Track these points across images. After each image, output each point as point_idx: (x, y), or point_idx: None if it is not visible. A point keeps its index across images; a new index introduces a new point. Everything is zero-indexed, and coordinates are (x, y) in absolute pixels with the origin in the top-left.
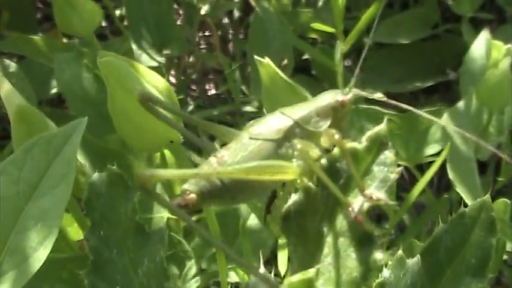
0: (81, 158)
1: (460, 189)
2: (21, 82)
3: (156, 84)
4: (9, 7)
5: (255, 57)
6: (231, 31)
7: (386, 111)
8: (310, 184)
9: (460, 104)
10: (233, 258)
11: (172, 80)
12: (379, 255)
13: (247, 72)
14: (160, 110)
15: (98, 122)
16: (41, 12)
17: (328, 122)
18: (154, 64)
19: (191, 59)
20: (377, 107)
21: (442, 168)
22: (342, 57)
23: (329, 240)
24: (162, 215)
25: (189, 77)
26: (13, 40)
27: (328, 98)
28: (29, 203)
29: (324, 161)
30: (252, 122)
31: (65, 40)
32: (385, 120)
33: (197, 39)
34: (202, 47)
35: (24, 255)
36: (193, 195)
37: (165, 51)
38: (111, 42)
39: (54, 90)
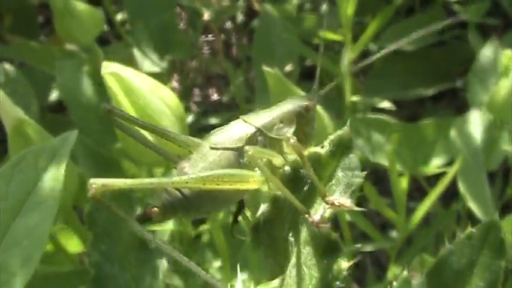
0: (83, 168)
1: (470, 203)
2: (23, 88)
3: (161, 95)
4: (12, 11)
5: (263, 67)
6: (234, 35)
7: (394, 120)
8: (279, 193)
9: (470, 114)
10: (190, 268)
11: (175, 84)
12: (344, 264)
13: (250, 77)
14: (125, 123)
15: (99, 129)
16: (43, 15)
17: (292, 129)
18: (157, 70)
19: (193, 63)
20: (385, 116)
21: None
22: (350, 64)
23: (297, 250)
24: (165, 228)
25: (193, 82)
26: (15, 46)
27: (292, 103)
28: (16, 219)
29: (287, 168)
30: (213, 130)
31: (67, 45)
32: (348, 122)
33: (199, 44)
34: (204, 51)
35: (10, 273)
36: (155, 209)
37: (169, 56)
38: (113, 48)
39: (54, 96)
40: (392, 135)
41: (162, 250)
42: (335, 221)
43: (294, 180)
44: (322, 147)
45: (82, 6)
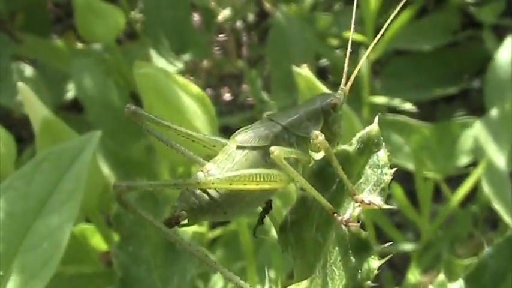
0: (105, 169)
1: (496, 205)
2: (36, 86)
3: (192, 93)
4: (24, 9)
5: (294, 68)
6: (245, 36)
7: (414, 121)
8: (306, 193)
9: (491, 113)
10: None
11: None
12: (374, 263)
13: (264, 77)
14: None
15: (118, 129)
16: (53, 13)
17: (319, 127)
18: (173, 69)
19: (205, 63)
20: (404, 117)
21: (461, 178)
22: (369, 64)
23: (327, 250)
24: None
25: (206, 82)
26: (29, 44)
27: (319, 101)
28: (36, 220)
29: (314, 166)
30: (239, 130)
31: (79, 44)
32: (375, 119)
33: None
34: (215, 51)
35: (30, 274)
36: (183, 212)
37: (184, 56)
38: (129, 47)
39: (68, 95)
40: (412, 136)
41: (191, 252)
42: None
43: (321, 178)
44: (350, 144)
45: (104, 5)
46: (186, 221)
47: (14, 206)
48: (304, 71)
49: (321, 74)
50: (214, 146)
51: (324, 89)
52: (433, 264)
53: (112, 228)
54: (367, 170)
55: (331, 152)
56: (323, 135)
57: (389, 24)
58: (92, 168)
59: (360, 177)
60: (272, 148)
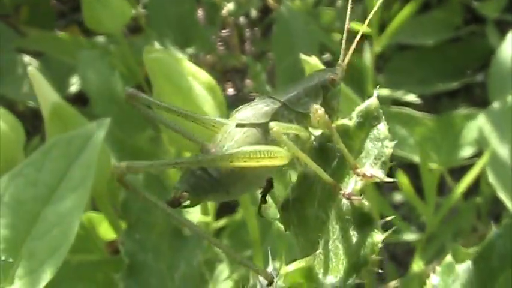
0: (112, 159)
1: (501, 194)
2: None
3: (202, 79)
4: (28, 3)
5: (301, 55)
6: (248, 31)
7: (418, 113)
8: (307, 169)
9: (495, 105)
10: (226, 251)
11: None
12: (378, 236)
13: (267, 72)
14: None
15: (123, 120)
16: (57, 9)
17: (318, 102)
18: None
19: (208, 58)
20: (409, 109)
21: (463, 170)
22: (373, 56)
23: (329, 226)
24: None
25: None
26: (34, 37)
27: (317, 76)
28: (46, 207)
29: (315, 142)
30: (238, 108)
31: (82, 37)
32: (375, 93)
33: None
34: (218, 46)
35: (39, 261)
36: (185, 193)
37: (188, 50)
38: (133, 40)
39: (73, 88)
40: (416, 128)
41: (196, 232)
42: None
43: (322, 154)
44: (350, 119)
45: None
46: (188, 202)
47: (24, 192)
48: (312, 59)
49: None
50: (213, 126)
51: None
52: (437, 256)
53: (120, 216)
54: (368, 144)
55: (331, 126)
56: (323, 109)
57: (393, 17)
58: (100, 155)
59: (361, 151)
60: (271, 124)
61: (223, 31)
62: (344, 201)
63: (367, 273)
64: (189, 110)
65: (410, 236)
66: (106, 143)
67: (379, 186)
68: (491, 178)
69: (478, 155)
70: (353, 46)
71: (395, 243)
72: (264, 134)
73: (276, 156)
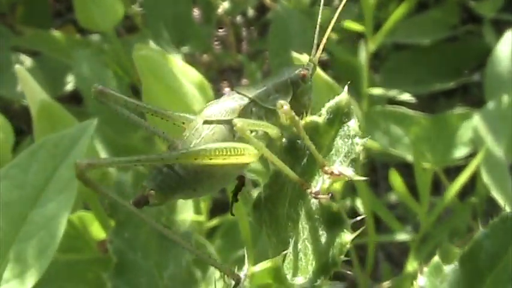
0: (103, 156)
1: (495, 194)
2: (36, 78)
3: (191, 77)
4: (24, 2)
5: (293, 53)
6: (244, 30)
7: (413, 112)
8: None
9: (490, 106)
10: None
11: None
12: (347, 236)
13: (263, 71)
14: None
15: (116, 119)
16: (53, 8)
17: (288, 99)
18: None
19: (204, 57)
20: (404, 108)
21: (460, 170)
22: (368, 55)
23: (300, 225)
24: (185, 216)
25: (206, 76)
26: (30, 36)
27: (287, 73)
28: (33, 209)
29: (284, 139)
30: (206, 104)
31: (78, 36)
32: (345, 88)
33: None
34: (215, 45)
35: (26, 264)
36: (152, 191)
37: (184, 49)
38: (128, 39)
39: (68, 87)
40: (411, 127)
41: (154, 227)
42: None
43: (292, 152)
44: (320, 115)
45: None
46: (155, 201)
47: (11, 194)
48: (303, 57)
49: (325, 67)
50: (183, 123)
51: (324, 75)
52: (432, 256)
53: (109, 215)
54: (338, 141)
55: (298, 123)
56: (288, 105)
57: (388, 16)
58: (90, 152)
59: (331, 149)
60: (235, 120)
61: (220, 30)
62: (313, 200)
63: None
64: (157, 106)
65: (404, 236)
66: (98, 142)
67: (375, 186)
68: (485, 178)
69: (473, 154)
70: (323, 41)
71: (390, 243)
72: (232, 131)
73: (243, 154)
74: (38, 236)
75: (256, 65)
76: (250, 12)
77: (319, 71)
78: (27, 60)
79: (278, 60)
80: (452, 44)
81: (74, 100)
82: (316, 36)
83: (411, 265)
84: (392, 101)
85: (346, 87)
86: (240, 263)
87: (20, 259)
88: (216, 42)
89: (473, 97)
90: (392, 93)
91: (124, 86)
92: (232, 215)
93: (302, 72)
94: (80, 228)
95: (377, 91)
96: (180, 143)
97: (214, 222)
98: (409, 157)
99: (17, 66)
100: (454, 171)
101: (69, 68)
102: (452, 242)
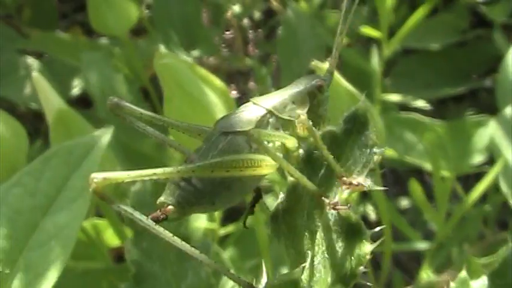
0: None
1: None
2: None
3: (213, 84)
4: (31, 4)
5: (314, 62)
6: (251, 33)
7: (428, 119)
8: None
9: (507, 112)
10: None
11: None
12: (367, 247)
13: (272, 75)
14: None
15: (129, 125)
16: (59, 9)
17: (305, 109)
18: None
19: (210, 60)
20: (418, 115)
21: (470, 177)
22: (382, 60)
23: (318, 237)
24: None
25: None
26: (37, 38)
27: (304, 83)
28: (44, 218)
29: (301, 150)
30: (222, 116)
31: (84, 38)
32: (362, 97)
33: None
34: (221, 48)
35: (36, 273)
36: (170, 207)
37: (193, 52)
38: (138, 43)
39: (75, 90)
40: (425, 134)
41: (170, 242)
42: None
43: (310, 163)
44: (337, 125)
45: None
46: (174, 216)
47: (22, 202)
48: (324, 65)
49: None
50: (199, 135)
51: (344, 82)
52: (444, 263)
53: (125, 223)
54: (356, 151)
55: (315, 134)
56: (305, 115)
57: (400, 22)
58: (106, 161)
59: (348, 159)
60: (252, 131)
61: (227, 33)
62: (331, 211)
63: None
64: (173, 119)
65: (420, 245)
66: (110, 148)
67: (385, 191)
68: (503, 186)
69: (488, 162)
70: (337, 51)
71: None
72: (249, 142)
73: (261, 165)
74: (48, 246)
75: (266, 69)
76: (257, 15)
77: (338, 77)
78: (35, 63)
79: (289, 64)
80: (461, 49)
81: (81, 103)
82: (335, 46)
83: (425, 273)
84: (403, 106)
85: (363, 96)
86: (254, 271)
87: (30, 268)
88: (223, 45)
89: (483, 102)
90: (407, 99)
91: (135, 91)
92: (245, 227)
93: (319, 82)
94: (93, 235)
95: (391, 97)
96: (196, 155)
97: (228, 229)
98: (424, 164)
99: (34, 73)
100: (464, 177)
101: (76, 71)
102: (463, 248)
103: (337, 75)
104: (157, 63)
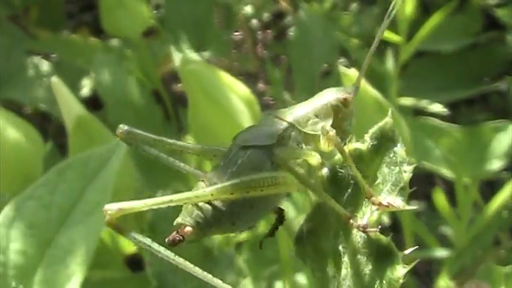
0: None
1: None
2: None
3: (239, 92)
4: (38, 4)
5: (341, 68)
6: (260, 34)
7: (445, 124)
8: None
9: None
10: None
11: None
12: (400, 271)
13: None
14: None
15: (140, 128)
16: (65, 9)
17: (329, 123)
18: None
19: (220, 61)
20: (435, 120)
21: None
22: (398, 64)
23: (346, 260)
24: None
25: None
26: (45, 39)
27: (328, 96)
28: (59, 232)
29: (325, 168)
30: (242, 130)
31: (93, 39)
32: (389, 112)
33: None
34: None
35: None
36: (188, 228)
37: (205, 53)
38: (150, 44)
39: (84, 91)
40: (441, 139)
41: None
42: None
43: (335, 181)
44: (363, 142)
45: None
46: (192, 238)
47: (36, 216)
48: (350, 71)
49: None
50: (214, 156)
51: (372, 91)
52: (462, 271)
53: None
54: (384, 169)
55: (344, 150)
56: (334, 131)
57: (419, 26)
58: (124, 170)
59: (377, 177)
60: (277, 151)
61: (236, 33)
62: (360, 233)
63: None
64: (186, 143)
65: (440, 253)
66: (129, 155)
67: None
68: None
69: (506, 168)
70: (366, 66)
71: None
72: (270, 157)
73: (282, 184)
74: (64, 262)
75: (279, 72)
76: (265, 16)
77: (366, 85)
78: (44, 64)
79: (301, 66)
80: (474, 51)
81: (90, 104)
82: (367, 61)
83: (444, 281)
84: (418, 109)
85: (390, 111)
86: (271, 279)
87: (45, 285)
88: (232, 46)
89: (495, 105)
90: (423, 103)
91: (146, 94)
92: (261, 248)
93: (344, 96)
94: (108, 244)
95: (406, 101)
96: (214, 174)
97: (242, 236)
98: (442, 170)
99: (53, 78)
100: (484, 182)
101: (84, 72)
102: (477, 254)
103: (365, 84)
104: (183, 69)
